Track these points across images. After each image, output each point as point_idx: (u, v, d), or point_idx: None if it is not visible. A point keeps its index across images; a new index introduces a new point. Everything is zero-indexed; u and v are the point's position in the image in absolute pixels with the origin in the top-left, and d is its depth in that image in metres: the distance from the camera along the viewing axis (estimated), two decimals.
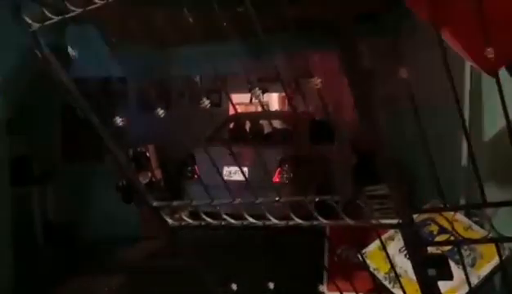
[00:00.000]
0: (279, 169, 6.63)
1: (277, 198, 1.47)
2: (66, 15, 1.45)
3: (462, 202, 3.17)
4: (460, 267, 1.58)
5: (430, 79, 3.72)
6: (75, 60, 1.51)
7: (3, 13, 1.46)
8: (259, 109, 11.63)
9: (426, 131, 1.23)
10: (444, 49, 1.12)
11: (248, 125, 8.63)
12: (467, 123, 2.85)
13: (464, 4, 1.45)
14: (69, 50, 1.45)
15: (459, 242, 1.39)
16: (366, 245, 2.84)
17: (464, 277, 1.53)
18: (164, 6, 2.20)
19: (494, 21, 1.09)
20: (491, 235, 1.27)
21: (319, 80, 1.20)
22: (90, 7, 1.40)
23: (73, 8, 1.43)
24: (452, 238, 1.43)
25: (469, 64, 2.79)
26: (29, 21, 1.47)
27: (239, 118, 7.48)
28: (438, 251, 1.95)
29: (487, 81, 2.76)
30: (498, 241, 1.26)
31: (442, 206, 1.31)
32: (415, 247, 1.28)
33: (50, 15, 1.46)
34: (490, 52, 1.03)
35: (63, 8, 1.44)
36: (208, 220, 1.64)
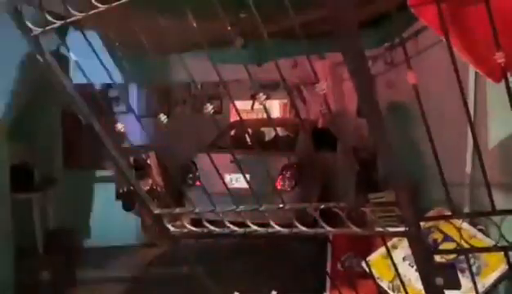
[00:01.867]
0: (281, 176, 6.61)
1: (281, 205, 1.45)
2: (68, 20, 1.43)
3: (466, 210, 3.14)
4: (465, 276, 1.56)
5: (434, 84, 3.70)
6: (76, 65, 1.49)
7: (4, 18, 1.44)
8: (260, 116, 11.63)
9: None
10: (453, 56, 1.10)
11: (250, 132, 8.62)
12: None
13: (472, 10, 1.43)
14: (71, 55, 1.42)
15: (468, 251, 1.37)
16: (368, 253, 2.81)
17: (468, 286, 1.50)
18: (167, 12, 2.19)
19: (500, 29, 1.07)
20: (499, 244, 1.24)
21: (325, 85, 1.18)
22: (91, 12, 1.38)
23: (74, 13, 1.42)
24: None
25: (473, 70, 2.77)
26: (31, 26, 1.46)
27: (241, 124, 7.46)
28: (443, 260, 1.93)
29: (492, 87, 2.75)
30: (507, 249, 1.24)
31: (449, 213, 1.29)
32: (422, 255, 1.25)
33: (51, 19, 1.45)
34: (500, 56, 1.01)
35: (65, 13, 1.43)
36: (211, 227, 1.62)
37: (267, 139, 8.83)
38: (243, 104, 10.81)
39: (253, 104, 10.29)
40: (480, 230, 2.66)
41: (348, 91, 6.88)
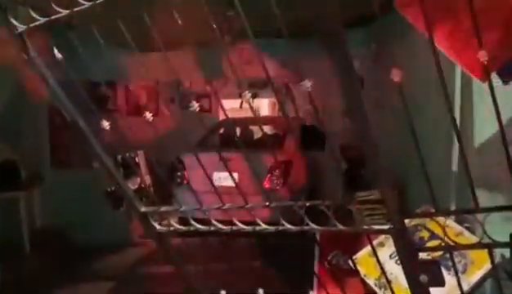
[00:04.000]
0: (269, 175, 6.61)
1: (267, 204, 1.45)
2: (53, 17, 1.42)
3: (453, 207, 3.17)
4: (451, 273, 1.57)
5: (420, 83, 3.72)
6: (62, 62, 1.48)
7: None
8: (249, 114, 11.62)
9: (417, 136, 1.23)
10: (437, 56, 1.11)
11: (238, 130, 8.60)
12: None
13: (456, 9, 1.44)
14: (55, 52, 1.41)
15: (451, 248, 1.38)
16: (355, 251, 2.82)
17: (454, 283, 1.51)
18: (153, 10, 2.18)
19: (483, 25, 1.08)
20: (483, 241, 1.25)
21: (310, 83, 1.18)
22: (76, 9, 1.37)
23: (59, 10, 1.40)
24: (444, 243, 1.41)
25: (459, 69, 2.80)
26: (15, 23, 1.45)
27: (229, 123, 7.46)
28: (429, 258, 1.94)
29: (477, 86, 2.77)
30: (491, 246, 1.25)
31: (433, 211, 1.30)
32: (406, 252, 1.26)
33: (36, 16, 1.43)
34: (483, 55, 1.01)
35: (49, 10, 1.41)
36: (197, 225, 1.61)
37: (255, 137, 8.81)
38: (233, 103, 10.79)
39: (241, 103, 10.27)
40: (467, 228, 2.67)
41: (337, 89, 6.90)
